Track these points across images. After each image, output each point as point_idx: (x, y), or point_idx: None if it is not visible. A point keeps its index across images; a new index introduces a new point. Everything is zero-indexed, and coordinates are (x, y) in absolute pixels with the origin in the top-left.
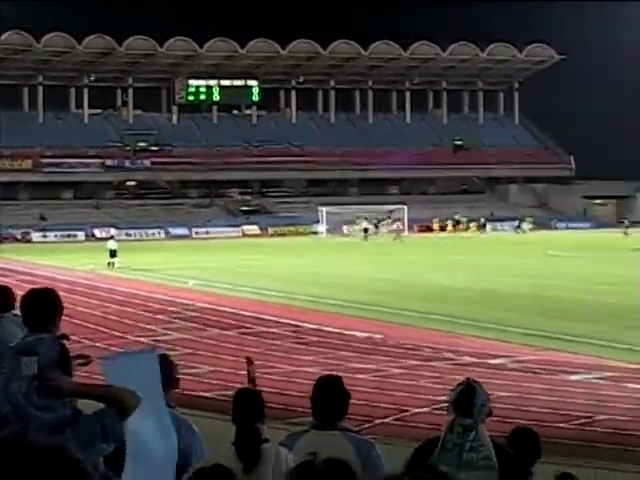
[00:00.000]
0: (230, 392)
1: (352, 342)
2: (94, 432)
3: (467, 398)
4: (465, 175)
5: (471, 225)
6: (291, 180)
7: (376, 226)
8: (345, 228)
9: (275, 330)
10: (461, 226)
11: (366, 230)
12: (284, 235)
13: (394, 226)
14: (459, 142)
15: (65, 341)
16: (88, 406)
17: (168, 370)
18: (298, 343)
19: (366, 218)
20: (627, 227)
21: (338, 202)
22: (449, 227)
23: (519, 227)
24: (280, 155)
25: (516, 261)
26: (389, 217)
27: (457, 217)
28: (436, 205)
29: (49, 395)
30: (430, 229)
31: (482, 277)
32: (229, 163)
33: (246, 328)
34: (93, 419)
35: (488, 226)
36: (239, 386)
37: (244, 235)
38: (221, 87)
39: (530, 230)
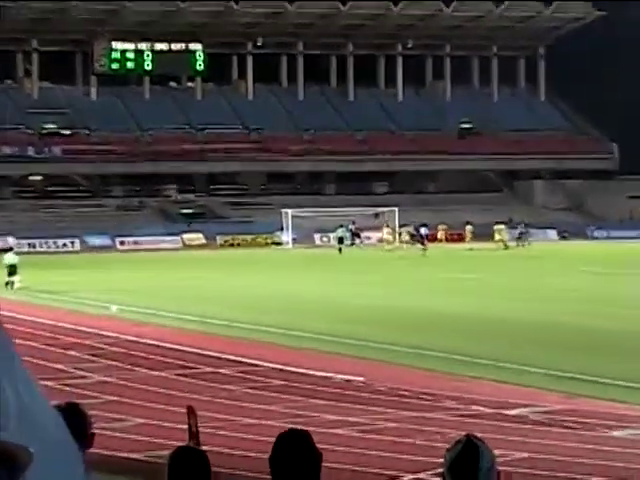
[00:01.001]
0: (165, 452)
1: (326, 387)
2: None
3: (468, 461)
4: (475, 168)
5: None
6: (247, 174)
7: (355, 234)
8: (318, 237)
9: (225, 371)
10: (498, 237)
11: (341, 240)
12: (237, 246)
13: (385, 233)
14: (467, 125)
15: None
16: None
17: (79, 424)
18: (255, 388)
19: (341, 226)
20: None
21: (308, 203)
22: (467, 235)
23: (520, 238)
24: (232, 141)
25: (539, 281)
26: (385, 222)
27: (497, 228)
28: (437, 207)
29: None
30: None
31: (494, 301)
32: (165, 152)
33: (187, 368)
34: None
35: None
36: (177, 444)
37: (185, 246)
38: (154, 52)
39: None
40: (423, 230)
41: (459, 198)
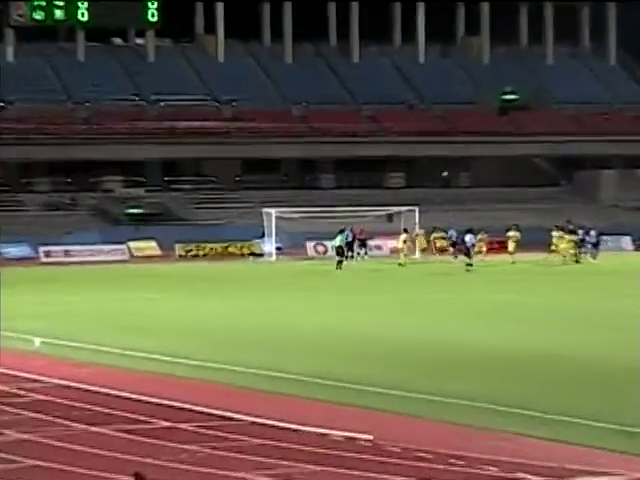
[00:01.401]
0: None
1: (320, 447)
2: None
3: None
4: (522, 154)
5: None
6: (216, 162)
7: (359, 242)
8: (311, 246)
9: (185, 426)
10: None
11: (340, 251)
12: (203, 258)
13: (402, 240)
14: (511, 97)
15: None
16: None
17: None
18: (227, 449)
19: (342, 231)
20: None
21: (299, 200)
22: (510, 244)
23: (581, 246)
24: (196, 118)
25: (600, 306)
26: (405, 230)
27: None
28: (470, 207)
29: None
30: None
31: (541, 332)
32: (106, 131)
33: (135, 422)
34: None
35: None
36: None
37: (133, 258)
38: None
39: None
40: (468, 238)
41: (500, 194)
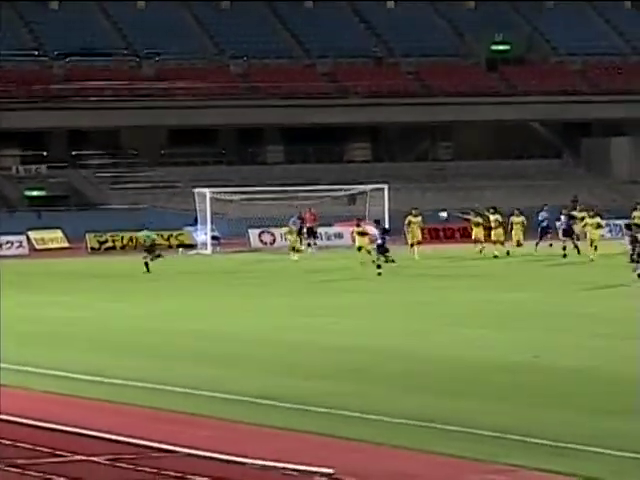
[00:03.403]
0: None
1: None
2: None
3: None
4: (515, 118)
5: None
6: (136, 130)
7: (308, 231)
8: (255, 235)
9: (103, 460)
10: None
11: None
12: (120, 251)
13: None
14: (502, 47)
15: None
16: None
17: None
18: None
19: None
20: None
21: (239, 179)
22: (517, 231)
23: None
24: (110, 76)
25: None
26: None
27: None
28: (453, 184)
29: None
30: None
31: (546, 336)
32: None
33: (49, 456)
34: None
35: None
36: None
37: (34, 251)
38: None
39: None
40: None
41: (489, 168)
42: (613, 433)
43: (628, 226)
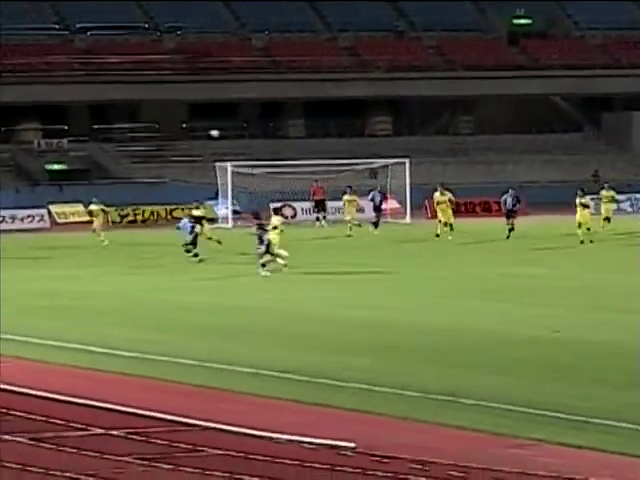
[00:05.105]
0: None
1: (293, 459)
2: None
3: None
4: (536, 92)
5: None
6: (157, 104)
7: (317, 204)
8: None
9: (120, 433)
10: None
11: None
12: (142, 225)
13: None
14: (523, 21)
15: None
16: None
17: None
18: (174, 463)
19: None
20: None
21: (260, 153)
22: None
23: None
24: (132, 50)
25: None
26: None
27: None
28: (474, 159)
29: None
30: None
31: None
32: (17, 67)
33: (62, 428)
34: None
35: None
36: None
37: (55, 225)
38: None
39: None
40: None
41: (510, 142)
42: (636, 407)
43: None
